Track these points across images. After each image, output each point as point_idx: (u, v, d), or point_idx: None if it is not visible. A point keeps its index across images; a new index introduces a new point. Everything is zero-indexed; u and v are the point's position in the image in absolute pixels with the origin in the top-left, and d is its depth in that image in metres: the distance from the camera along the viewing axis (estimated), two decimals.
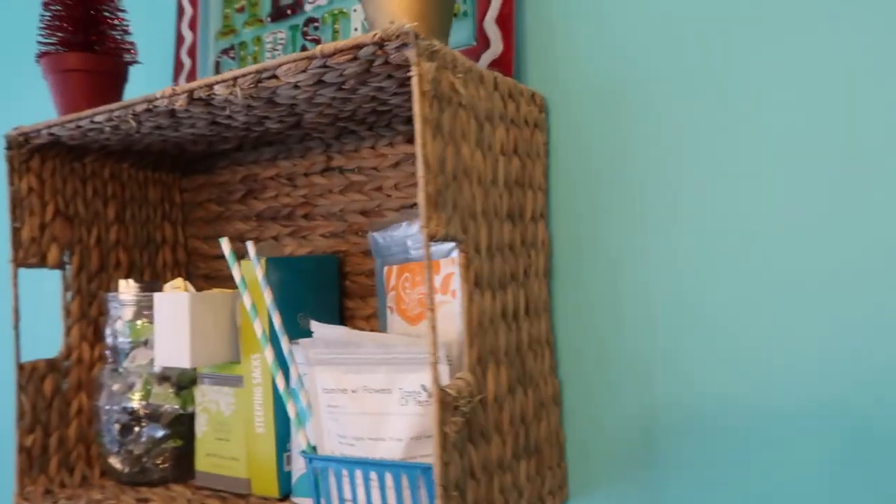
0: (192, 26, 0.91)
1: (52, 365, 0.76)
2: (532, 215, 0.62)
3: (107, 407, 0.75)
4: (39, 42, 0.76)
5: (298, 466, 0.66)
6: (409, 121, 0.73)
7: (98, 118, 0.67)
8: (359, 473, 0.54)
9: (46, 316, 0.95)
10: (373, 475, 0.53)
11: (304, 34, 0.82)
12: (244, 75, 0.56)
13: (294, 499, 0.66)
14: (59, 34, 0.75)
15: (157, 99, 0.61)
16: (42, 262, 0.76)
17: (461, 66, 0.51)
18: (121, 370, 0.75)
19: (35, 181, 0.76)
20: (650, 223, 0.62)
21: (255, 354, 0.68)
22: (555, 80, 0.66)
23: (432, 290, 0.46)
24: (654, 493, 0.62)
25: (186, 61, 0.91)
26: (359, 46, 0.49)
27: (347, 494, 0.54)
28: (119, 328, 0.75)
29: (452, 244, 0.59)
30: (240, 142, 0.81)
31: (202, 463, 0.72)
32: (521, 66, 0.68)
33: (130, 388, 0.74)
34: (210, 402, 0.72)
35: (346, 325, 0.78)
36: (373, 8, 0.56)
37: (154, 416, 0.73)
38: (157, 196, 0.89)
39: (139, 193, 0.87)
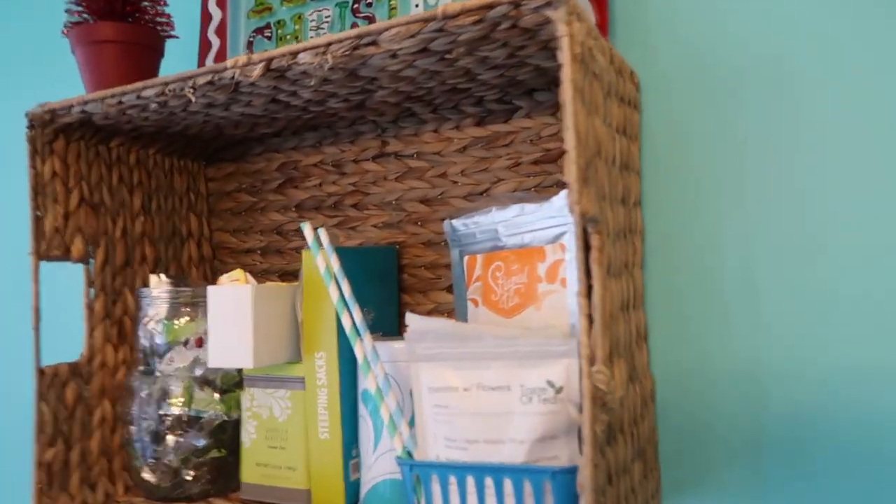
0: (221, 4, 0.84)
1: (74, 370, 0.68)
2: (634, 200, 0.58)
3: (139, 415, 0.67)
4: (68, 11, 0.68)
5: (371, 475, 0.60)
6: (480, 101, 0.68)
7: (147, 92, 0.60)
8: (471, 480, 0.48)
9: (62, 315, 0.86)
10: (488, 482, 0.48)
11: (355, 11, 0.76)
12: (340, 41, 0.51)
13: None
14: (91, 2, 0.68)
15: (226, 69, 0.55)
16: (66, 255, 0.68)
17: (593, 32, 0.47)
18: (157, 373, 0.67)
19: (59, 165, 0.68)
20: (753, 211, 0.59)
21: (319, 353, 0.62)
22: (650, 58, 0.63)
23: (587, 271, 0.41)
24: None
25: (215, 41, 0.84)
26: (490, 6, 0.45)
27: (455, 503, 0.49)
28: (153, 328, 0.68)
29: (560, 229, 0.54)
30: (284, 126, 0.75)
31: (250, 474, 0.66)
32: (613, 42, 0.65)
33: (166, 393, 0.67)
34: (261, 406, 0.65)
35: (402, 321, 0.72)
36: None
37: (196, 424, 0.66)
38: (183, 185, 0.82)
39: (165, 182, 0.79)
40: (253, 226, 0.82)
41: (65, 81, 0.98)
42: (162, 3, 0.71)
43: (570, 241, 0.54)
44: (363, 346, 0.55)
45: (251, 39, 0.83)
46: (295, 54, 0.53)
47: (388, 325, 0.69)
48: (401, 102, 0.67)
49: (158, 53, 0.70)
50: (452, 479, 0.49)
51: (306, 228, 0.57)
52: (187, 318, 0.68)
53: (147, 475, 0.67)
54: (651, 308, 0.62)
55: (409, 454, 0.52)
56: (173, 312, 0.68)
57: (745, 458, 0.59)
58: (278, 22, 0.81)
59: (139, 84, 0.60)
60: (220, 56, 0.83)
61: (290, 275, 0.80)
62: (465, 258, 0.62)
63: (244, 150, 0.83)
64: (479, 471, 0.48)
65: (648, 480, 0.57)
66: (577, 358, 0.47)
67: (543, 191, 0.66)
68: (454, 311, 0.69)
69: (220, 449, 0.67)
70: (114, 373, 0.71)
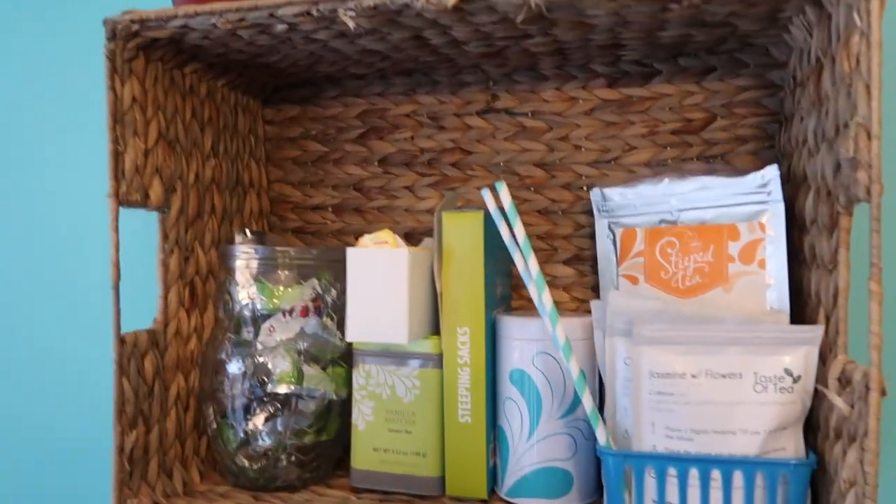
0: None
1: (152, 338, 0.57)
2: None
3: (230, 392, 0.58)
4: None
5: (523, 463, 0.55)
6: (615, 61, 0.63)
7: (285, 10, 0.50)
8: (694, 473, 0.45)
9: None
10: (715, 474, 0.45)
11: None
12: None
13: (515, 500, 0.55)
14: None
15: None
16: (144, 201, 0.57)
17: None
18: (258, 345, 0.58)
19: (139, 89, 0.56)
20: None
21: (462, 328, 0.56)
22: None
23: (878, 249, 0.39)
24: None
25: None
26: None
27: (673, 498, 0.45)
28: (247, 292, 0.59)
29: (758, 206, 0.52)
30: (371, 68, 0.66)
31: (365, 460, 0.58)
32: None
33: (267, 368, 0.58)
34: (380, 385, 0.58)
35: (511, 291, 0.67)
36: None
37: (301, 404, 0.58)
38: (246, 127, 0.71)
39: (231, 121, 0.68)
40: (324, 179, 0.73)
41: None
42: None
43: (773, 221, 0.51)
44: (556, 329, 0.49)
45: None
46: None
47: (507, 299, 0.64)
48: (538, 53, 0.61)
49: None
50: (671, 472, 0.45)
51: (487, 193, 0.50)
52: (291, 283, 0.59)
53: (241, 460, 0.58)
54: None
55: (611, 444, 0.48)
56: (271, 276, 0.59)
57: None
58: None
59: (282, 0, 0.50)
60: None
61: None
62: (619, 231, 0.58)
63: (314, 91, 0.73)
64: (707, 463, 0.45)
65: None
66: (817, 346, 0.45)
67: (683, 164, 0.63)
68: (578, 286, 0.65)
69: (328, 431, 0.59)
70: (187, 342, 0.61)
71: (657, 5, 0.47)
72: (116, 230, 0.54)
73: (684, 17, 0.50)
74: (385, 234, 0.54)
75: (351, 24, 0.50)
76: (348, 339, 0.54)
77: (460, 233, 0.55)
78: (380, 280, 0.52)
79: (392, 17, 0.50)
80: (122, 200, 0.54)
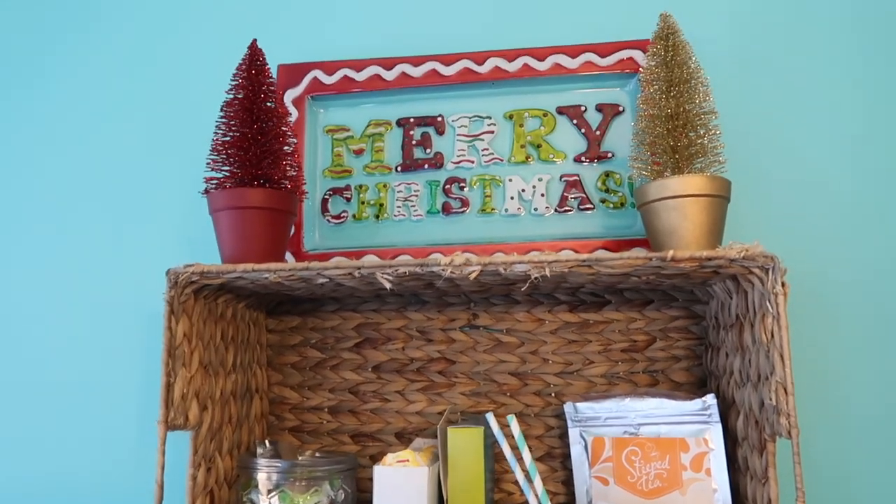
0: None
1: None
2: None
3: None
4: (211, 169, 0.68)
5: None
6: (575, 292, 0.79)
7: (332, 272, 0.61)
8: None
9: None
10: None
11: (447, 192, 0.83)
12: (563, 261, 0.59)
13: None
14: (235, 166, 0.68)
15: (439, 265, 0.60)
16: (185, 423, 0.64)
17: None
18: None
19: (188, 326, 0.65)
20: None
21: None
22: None
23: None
24: None
25: None
26: (711, 258, 0.57)
27: None
28: (272, 502, 0.65)
29: (702, 426, 0.66)
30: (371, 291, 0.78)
31: None
32: None
33: None
34: None
35: (495, 488, 0.77)
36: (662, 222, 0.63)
37: None
38: (254, 338, 0.80)
39: (245, 335, 0.77)
40: (322, 383, 0.82)
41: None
42: (299, 167, 0.73)
43: (714, 437, 0.65)
44: None
45: (327, 197, 0.86)
46: (511, 264, 0.60)
47: (490, 499, 0.74)
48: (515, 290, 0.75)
49: (294, 216, 0.71)
50: None
51: (491, 419, 0.61)
52: (307, 491, 0.66)
53: None
54: None
55: None
56: (291, 485, 0.66)
57: None
58: (360, 186, 0.85)
59: (330, 263, 0.61)
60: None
61: (365, 436, 0.80)
62: (590, 438, 0.70)
63: (314, 305, 0.83)
64: None
65: None
66: None
67: (632, 376, 0.77)
68: (551, 480, 0.76)
69: None
70: None
71: (624, 277, 0.63)
72: (163, 453, 0.61)
73: (640, 281, 0.66)
74: (406, 454, 0.63)
75: (388, 286, 0.62)
76: None
77: (464, 446, 0.65)
78: (403, 494, 0.61)
79: (418, 278, 0.63)
80: (169, 426, 0.61)
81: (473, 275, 0.60)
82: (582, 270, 0.60)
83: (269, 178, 0.69)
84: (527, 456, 0.60)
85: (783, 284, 0.55)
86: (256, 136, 0.69)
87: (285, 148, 0.71)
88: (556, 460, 0.77)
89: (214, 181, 0.69)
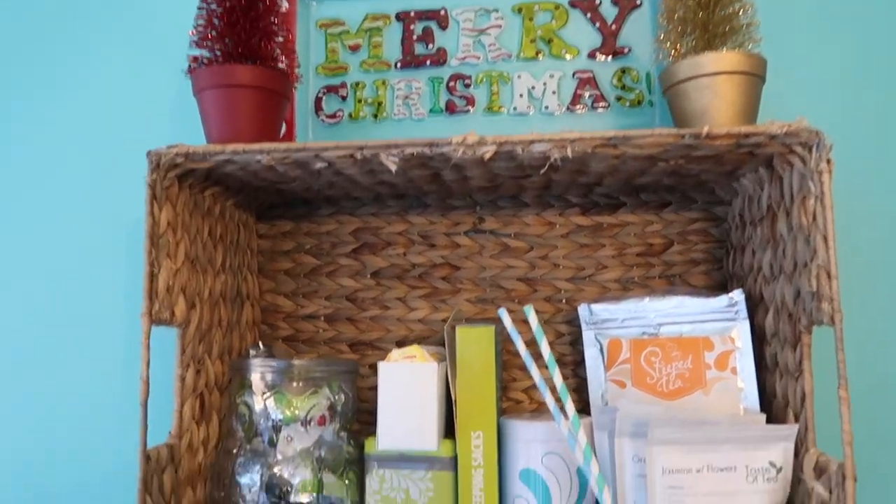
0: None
1: (171, 452, 0.58)
2: None
3: (249, 503, 0.59)
4: (195, 46, 0.61)
5: None
6: (587, 193, 0.74)
7: (330, 153, 0.56)
8: None
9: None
10: None
11: (451, 89, 0.77)
12: (588, 139, 0.53)
13: None
14: (222, 42, 0.61)
15: (450, 144, 0.54)
16: (171, 319, 0.59)
17: None
18: (277, 455, 0.60)
19: (172, 214, 0.59)
20: None
21: (476, 432, 0.61)
22: None
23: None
24: None
25: None
26: (749, 135, 0.52)
27: None
28: (264, 404, 0.61)
29: (728, 323, 0.62)
30: (368, 191, 0.73)
31: None
32: None
33: (280, 478, 0.60)
34: (394, 489, 0.61)
35: (504, 396, 0.73)
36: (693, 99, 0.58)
37: None
38: (245, 241, 0.74)
39: (235, 236, 0.72)
40: (317, 290, 0.77)
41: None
42: (293, 46, 0.66)
43: (739, 334, 0.61)
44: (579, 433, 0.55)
45: (321, 95, 0.79)
46: (530, 143, 0.54)
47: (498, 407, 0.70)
48: (526, 186, 0.70)
49: (288, 101, 0.65)
50: None
51: (504, 315, 0.57)
52: (307, 394, 0.62)
53: None
54: None
55: None
56: (287, 387, 0.62)
57: None
58: (356, 83, 0.79)
59: (330, 143, 0.56)
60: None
61: (364, 344, 0.76)
62: (606, 341, 0.66)
63: (308, 209, 0.78)
64: None
65: None
66: (793, 441, 0.54)
67: (647, 281, 0.73)
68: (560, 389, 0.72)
69: None
70: (196, 454, 0.62)
71: (649, 163, 0.58)
72: (148, 347, 0.56)
73: (665, 170, 0.61)
74: (413, 350, 0.59)
75: (392, 168, 0.56)
76: (380, 447, 0.57)
77: (474, 345, 0.61)
78: (411, 391, 0.57)
79: (425, 161, 0.57)
80: (154, 319, 0.56)
81: (488, 155, 0.54)
82: (607, 151, 0.54)
83: (259, 57, 0.63)
84: (545, 349, 0.55)
85: (828, 161, 0.50)
86: (246, 10, 0.62)
87: (270, 21, 0.64)
88: (567, 367, 0.73)
89: (201, 60, 0.62)
